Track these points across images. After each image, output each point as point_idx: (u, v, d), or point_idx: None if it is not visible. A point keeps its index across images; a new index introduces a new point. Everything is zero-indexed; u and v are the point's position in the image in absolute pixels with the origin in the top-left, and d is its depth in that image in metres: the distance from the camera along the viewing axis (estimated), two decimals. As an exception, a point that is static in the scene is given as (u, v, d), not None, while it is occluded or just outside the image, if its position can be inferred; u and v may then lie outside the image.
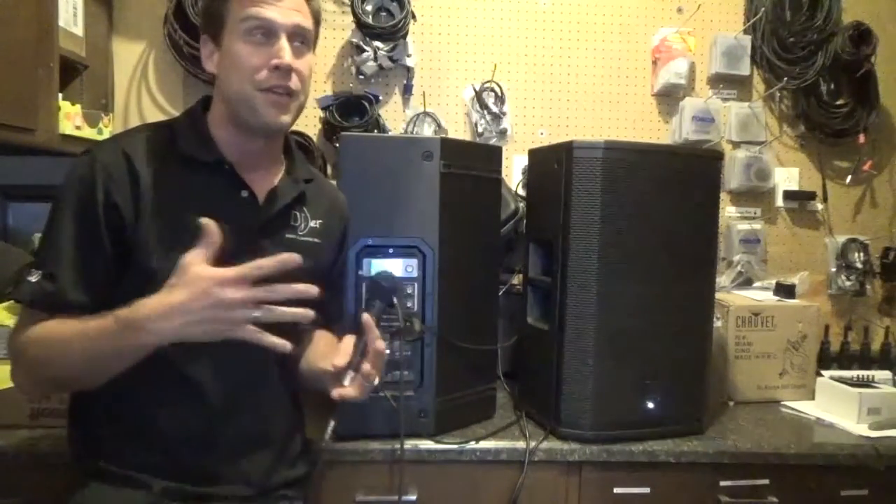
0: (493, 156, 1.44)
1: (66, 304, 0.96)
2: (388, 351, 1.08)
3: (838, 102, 2.00)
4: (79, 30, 1.63)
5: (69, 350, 0.93)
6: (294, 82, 1.03)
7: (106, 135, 1.65)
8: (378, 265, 1.27)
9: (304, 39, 1.04)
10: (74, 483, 1.04)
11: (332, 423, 1.11)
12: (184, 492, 1.02)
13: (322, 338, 1.23)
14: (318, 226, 1.15)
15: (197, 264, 0.87)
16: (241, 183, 1.06)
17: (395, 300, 1.19)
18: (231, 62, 1.01)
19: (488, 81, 1.92)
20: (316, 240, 1.14)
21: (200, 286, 0.86)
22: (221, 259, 1.02)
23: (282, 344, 0.87)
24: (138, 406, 1.00)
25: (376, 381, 1.04)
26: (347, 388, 1.01)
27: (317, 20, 1.09)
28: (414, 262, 1.29)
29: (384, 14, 1.83)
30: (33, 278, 0.96)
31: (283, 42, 1.01)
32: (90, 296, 0.97)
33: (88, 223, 0.97)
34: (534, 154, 1.51)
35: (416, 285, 1.29)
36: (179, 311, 0.86)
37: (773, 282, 1.79)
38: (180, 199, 1.01)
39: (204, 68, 1.08)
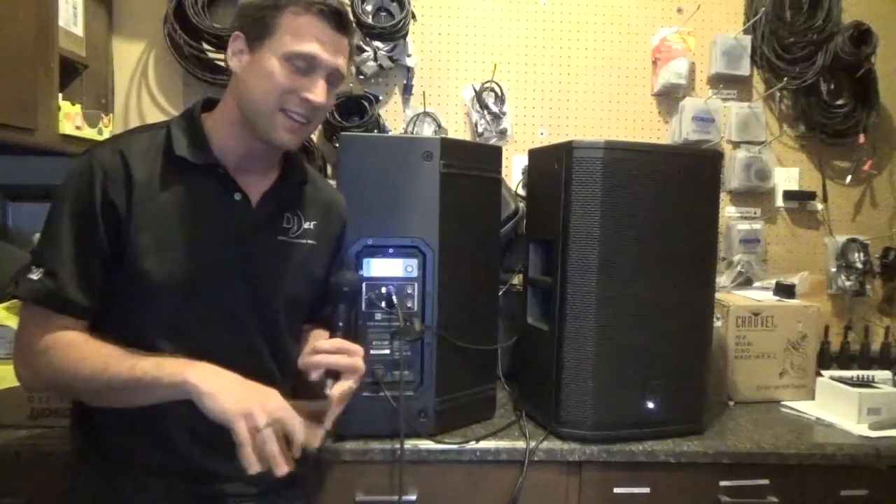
0: (493, 156, 1.44)
1: (68, 303, 0.96)
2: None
3: (838, 102, 2.00)
4: (79, 30, 1.63)
5: (101, 368, 0.93)
6: (314, 115, 1.05)
7: (106, 135, 1.65)
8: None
9: (337, 80, 1.07)
10: (76, 480, 1.04)
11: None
12: (186, 490, 1.02)
13: (320, 337, 1.22)
14: (311, 227, 1.15)
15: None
16: (234, 186, 1.06)
17: (394, 300, 1.19)
18: (264, 76, 1.00)
19: (488, 81, 1.92)
20: (309, 241, 1.14)
21: (268, 396, 0.91)
22: (211, 261, 1.03)
23: (252, 466, 0.86)
24: (141, 404, 1.00)
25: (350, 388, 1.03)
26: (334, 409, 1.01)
27: (350, 58, 1.12)
28: (414, 262, 1.29)
29: (384, 14, 1.83)
30: (34, 276, 0.96)
31: (321, 81, 1.02)
32: (88, 296, 0.98)
33: (87, 222, 0.97)
34: (534, 154, 1.51)
35: (416, 285, 1.30)
36: (236, 383, 0.91)
37: (773, 282, 1.79)
38: (173, 201, 1.01)
39: (227, 63, 1.06)
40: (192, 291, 1.01)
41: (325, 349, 1.02)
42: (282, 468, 0.86)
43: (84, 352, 0.94)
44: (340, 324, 1.07)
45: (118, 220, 0.98)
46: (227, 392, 0.88)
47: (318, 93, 1.01)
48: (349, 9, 1.78)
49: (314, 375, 1.01)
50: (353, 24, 1.09)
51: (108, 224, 0.98)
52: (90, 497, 1.02)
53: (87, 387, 0.95)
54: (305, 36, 1.00)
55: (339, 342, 1.03)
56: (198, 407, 0.88)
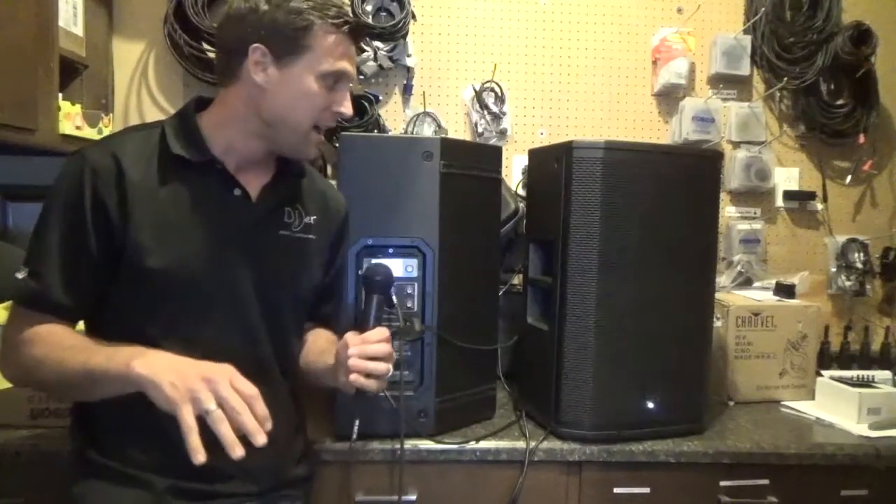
0: (493, 156, 1.44)
1: (51, 303, 0.97)
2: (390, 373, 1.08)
3: (838, 102, 2.00)
4: (79, 30, 1.63)
5: (59, 362, 0.93)
6: None
7: (106, 134, 1.65)
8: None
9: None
10: (76, 480, 1.04)
11: (356, 422, 1.14)
12: (187, 489, 1.02)
13: (321, 335, 1.23)
14: (312, 222, 1.15)
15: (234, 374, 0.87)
16: (234, 182, 1.06)
17: (394, 299, 1.19)
18: (301, 94, 1.04)
19: (488, 81, 1.92)
20: (310, 236, 1.15)
21: (217, 375, 0.86)
22: (214, 257, 1.03)
23: (197, 455, 0.82)
24: (141, 404, 1.00)
25: (388, 373, 1.05)
26: (366, 381, 1.03)
27: None
28: (414, 262, 1.29)
29: (384, 14, 1.83)
30: (20, 275, 0.98)
31: (348, 92, 1.08)
32: (73, 297, 0.99)
33: (75, 224, 0.98)
34: (534, 154, 1.51)
35: (416, 285, 1.29)
36: (182, 366, 0.87)
37: (773, 282, 1.79)
38: (172, 198, 1.02)
39: (252, 75, 1.02)
40: (194, 288, 1.01)
41: (375, 339, 1.05)
42: (235, 451, 0.82)
43: (52, 345, 0.95)
44: (373, 315, 1.10)
45: (109, 221, 0.98)
46: (169, 378, 0.84)
47: (348, 105, 1.08)
48: (349, 9, 1.78)
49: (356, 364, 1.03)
50: None
51: (99, 225, 0.98)
52: (90, 497, 1.02)
53: (55, 380, 0.95)
54: (341, 55, 1.05)
55: (382, 332, 1.06)
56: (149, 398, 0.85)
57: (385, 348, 1.05)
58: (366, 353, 1.03)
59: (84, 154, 1.00)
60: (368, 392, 1.04)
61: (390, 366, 1.05)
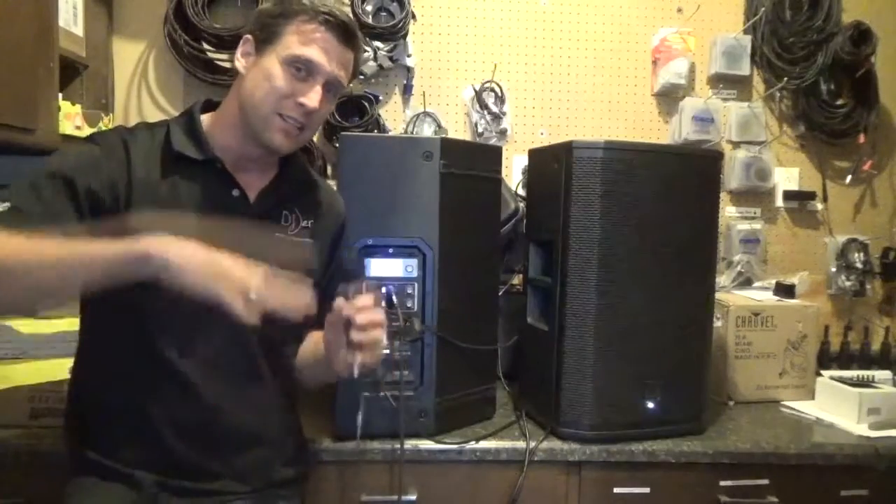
0: (493, 156, 1.44)
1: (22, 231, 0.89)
2: (385, 345, 1.02)
3: (838, 102, 2.00)
4: (79, 30, 1.63)
5: (42, 247, 0.86)
6: (309, 121, 1.06)
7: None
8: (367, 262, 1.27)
9: (336, 91, 1.09)
10: (69, 477, 1.04)
11: (360, 416, 1.13)
12: (178, 487, 1.03)
13: (316, 335, 1.22)
14: (309, 226, 1.15)
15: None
16: (233, 182, 1.07)
17: (394, 299, 1.19)
18: (264, 77, 1.03)
19: (488, 81, 1.92)
20: (307, 239, 1.15)
21: (249, 269, 0.86)
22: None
23: (251, 324, 0.83)
24: (132, 401, 1.01)
25: (384, 346, 1.00)
26: (360, 356, 0.97)
27: (354, 75, 1.13)
28: (414, 262, 1.29)
29: (384, 14, 1.83)
30: None
31: (319, 87, 1.04)
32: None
33: (80, 189, 0.95)
34: (534, 154, 1.51)
35: (416, 285, 1.30)
36: (207, 256, 0.86)
37: (773, 282, 1.79)
38: (170, 196, 1.02)
39: (233, 64, 1.11)
40: None
41: (363, 304, 0.98)
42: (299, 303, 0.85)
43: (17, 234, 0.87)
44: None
45: (115, 206, 0.98)
46: (201, 260, 0.85)
47: (312, 97, 1.03)
48: (349, 9, 1.78)
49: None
50: (361, 42, 1.11)
51: (99, 204, 0.97)
52: (81, 493, 1.02)
53: (34, 262, 0.86)
54: (309, 42, 1.02)
55: (369, 298, 0.99)
56: (164, 280, 0.83)
57: (377, 316, 0.98)
58: (359, 323, 0.96)
59: (100, 137, 1.02)
60: (370, 369, 0.99)
61: (384, 334, 0.99)
